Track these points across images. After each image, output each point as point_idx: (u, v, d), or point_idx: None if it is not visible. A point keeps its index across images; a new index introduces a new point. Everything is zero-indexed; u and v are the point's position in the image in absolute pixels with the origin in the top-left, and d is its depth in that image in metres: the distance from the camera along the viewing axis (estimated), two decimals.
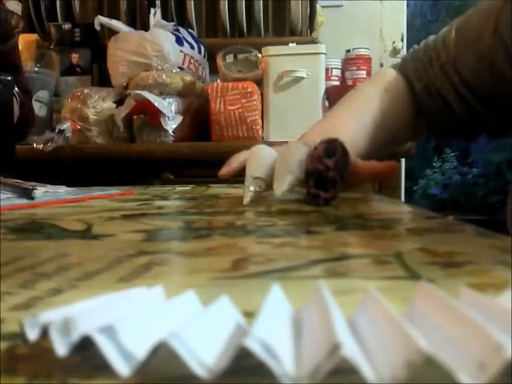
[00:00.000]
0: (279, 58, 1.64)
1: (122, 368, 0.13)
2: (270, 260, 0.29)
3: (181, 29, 1.75)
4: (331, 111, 0.85)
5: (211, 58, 1.80)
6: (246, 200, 0.56)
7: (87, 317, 0.15)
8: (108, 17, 1.80)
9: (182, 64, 1.69)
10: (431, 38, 0.84)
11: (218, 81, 1.66)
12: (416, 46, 0.87)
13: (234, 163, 0.67)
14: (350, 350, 0.12)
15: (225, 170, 0.66)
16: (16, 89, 1.22)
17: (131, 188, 0.84)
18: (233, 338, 0.14)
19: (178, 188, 0.86)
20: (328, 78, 1.88)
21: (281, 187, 0.54)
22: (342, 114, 0.81)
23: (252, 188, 0.57)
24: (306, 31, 1.96)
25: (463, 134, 0.87)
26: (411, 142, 1.58)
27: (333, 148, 0.53)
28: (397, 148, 0.97)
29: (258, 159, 0.60)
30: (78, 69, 1.95)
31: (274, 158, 0.59)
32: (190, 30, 1.83)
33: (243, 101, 1.58)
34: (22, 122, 1.29)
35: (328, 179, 0.52)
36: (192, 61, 1.73)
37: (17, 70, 1.33)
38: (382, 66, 2.14)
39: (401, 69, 0.86)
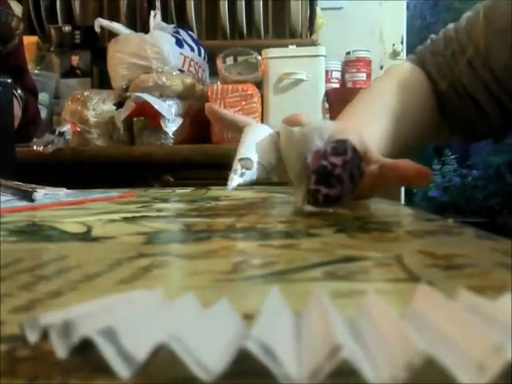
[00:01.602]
0: (279, 60, 1.64)
1: (122, 370, 0.13)
2: (270, 262, 0.29)
3: (181, 31, 1.75)
4: (346, 112, 0.72)
5: (211, 60, 1.81)
6: (231, 185, 0.47)
7: (87, 319, 0.15)
8: (108, 19, 1.80)
9: (182, 66, 1.70)
10: (450, 26, 0.76)
11: (218, 83, 1.67)
12: (433, 37, 0.78)
13: (228, 115, 0.60)
14: (351, 352, 0.12)
15: (214, 107, 0.59)
16: (19, 91, 1.22)
17: (131, 190, 0.84)
18: (233, 340, 0.14)
19: (178, 190, 0.86)
20: (328, 81, 1.89)
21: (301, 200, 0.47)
22: (361, 110, 0.71)
23: (239, 171, 0.48)
24: (306, 33, 1.96)
25: (491, 134, 0.79)
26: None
27: (342, 147, 0.46)
28: (419, 151, 0.91)
29: (247, 140, 0.52)
30: (78, 71, 1.96)
31: (270, 138, 0.52)
32: (190, 32, 1.83)
33: (243, 103, 1.58)
34: (28, 123, 1.29)
35: (333, 175, 0.45)
36: (192, 63, 1.73)
37: (22, 71, 1.34)
38: (381, 68, 2.14)
39: (420, 64, 0.76)
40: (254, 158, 0.49)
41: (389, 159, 0.51)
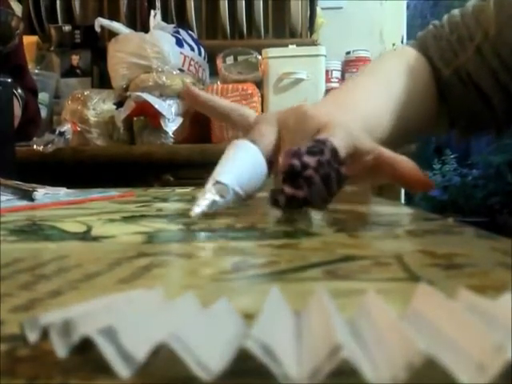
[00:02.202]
0: (279, 59, 1.65)
1: (123, 369, 0.13)
2: (270, 262, 0.29)
3: (181, 30, 1.75)
4: (341, 87, 0.68)
5: (211, 59, 1.81)
6: (196, 210, 0.41)
7: (87, 318, 0.15)
8: (108, 18, 1.80)
9: (182, 66, 1.70)
10: (455, 12, 0.72)
11: (218, 82, 1.67)
12: (436, 22, 0.73)
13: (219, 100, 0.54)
14: (351, 352, 0.12)
15: (192, 89, 0.54)
16: (19, 91, 1.22)
17: (131, 190, 0.84)
18: (233, 340, 0.14)
19: (178, 190, 0.86)
20: (328, 80, 1.89)
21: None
22: (365, 83, 0.65)
23: (208, 196, 0.42)
24: (306, 33, 1.96)
25: (493, 126, 0.74)
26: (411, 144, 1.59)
27: (319, 147, 0.41)
28: (414, 141, 0.84)
29: (230, 158, 0.45)
30: (78, 70, 1.96)
31: (256, 160, 0.45)
32: (190, 31, 1.83)
33: (243, 102, 1.58)
34: (28, 122, 1.29)
35: (302, 176, 0.40)
36: (192, 62, 1.73)
37: (22, 70, 1.34)
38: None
39: (421, 50, 0.72)
40: (232, 184, 0.43)
41: (386, 150, 0.47)
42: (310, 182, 0.39)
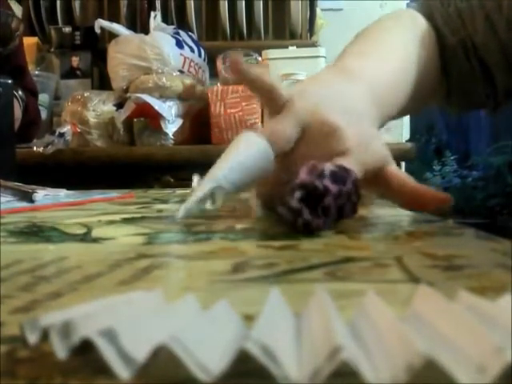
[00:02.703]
0: (279, 61, 1.65)
1: (123, 371, 0.13)
2: (270, 263, 0.29)
3: (181, 32, 1.75)
4: (352, 50, 0.60)
5: (211, 61, 1.81)
6: (181, 211, 0.40)
7: (87, 320, 0.15)
8: (108, 20, 1.80)
9: (182, 67, 1.70)
10: None
11: (218, 84, 1.67)
12: None
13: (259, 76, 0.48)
14: (350, 353, 0.12)
15: (240, 65, 0.48)
16: (20, 92, 1.22)
17: (131, 191, 0.84)
18: (233, 341, 0.14)
19: (178, 191, 0.86)
20: None
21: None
22: (372, 53, 0.59)
23: (198, 195, 0.40)
24: (306, 34, 1.96)
25: (490, 102, 0.70)
26: (411, 145, 1.59)
27: (343, 176, 0.39)
28: (417, 112, 0.79)
29: (234, 153, 0.42)
30: (78, 72, 1.96)
31: (261, 163, 0.42)
32: (190, 33, 1.83)
33: (243, 104, 1.58)
34: (29, 124, 1.29)
35: (321, 204, 0.38)
36: (192, 64, 1.73)
37: (23, 71, 1.34)
38: None
39: (425, 14, 0.67)
40: (226, 186, 0.41)
41: (410, 181, 0.45)
42: (327, 211, 0.38)
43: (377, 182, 0.46)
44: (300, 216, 0.37)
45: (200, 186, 0.41)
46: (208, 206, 0.40)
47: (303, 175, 0.39)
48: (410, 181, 0.45)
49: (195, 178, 0.44)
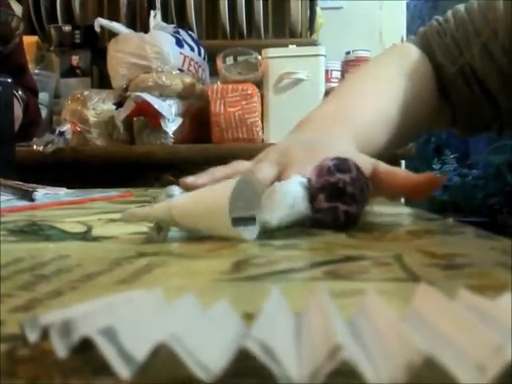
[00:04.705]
0: (279, 59, 1.64)
1: (123, 370, 0.13)
2: (271, 262, 0.29)
3: (181, 31, 1.75)
4: (339, 92, 0.65)
5: (211, 59, 1.80)
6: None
7: (87, 318, 0.15)
8: (108, 19, 1.80)
9: (182, 66, 1.70)
10: (460, 8, 0.69)
11: (218, 83, 1.66)
12: (439, 18, 0.71)
13: (203, 178, 0.48)
14: (350, 352, 0.12)
15: (189, 180, 0.48)
16: (20, 92, 1.22)
17: (131, 190, 0.84)
18: (233, 340, 0.14)
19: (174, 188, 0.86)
20: (328, 80, 1.88)
21: (271, 220, 0.38)
22: (354, 96, 0.63)
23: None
24: (306, 33, 1.96)
25: (495, 125, 0.71)
26: (411, 144, 1.59)
27: (345, 165, 0.40)
28: (416, 138, 0.81)
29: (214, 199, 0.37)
30: (78, 71, 1.95)
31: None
32: (189, 31, 1.83)
33: (243, 103, 1.58)
34: (30, 123, 1.29)
35: (347, 193, 0.39)
36: (192, 63, 1.73)
37: (23, 70, 1.34)
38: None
39: (423, 46, 0.70)
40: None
41: (400, 171, 0.46)
42: (354, 198, 0.39)
43: (371, 182, 0.46)
44: (337, 211, 0.39)
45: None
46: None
47: (316, 178, 0.40)
48: (400, 171, 0.46)
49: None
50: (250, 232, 0.37)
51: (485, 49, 0.66)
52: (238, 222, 0.37)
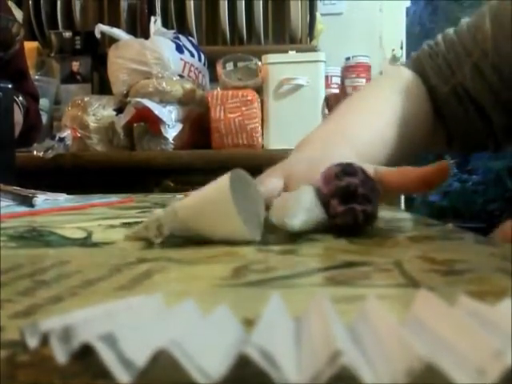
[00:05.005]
0: (279, 65, 1.65)
1: (123, 376, 0.13)
2: (271, 268, 0.29)
3: (181, 37, 1.76)
4: (337, 113, 0.67)
5: (211, 65, 1.81)
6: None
7: (87, 324, 0.15)
8: (108, 25, 1.81)
9: (182, 72, 1.70)
10: (449, 31, 0.71)
11: (218, 89, 1.67)
12: (430, 42, 0.73)
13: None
14: (350, 358, 0.12)
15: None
16: (20, 98, 1.22)
17: (131, 196, 0.84)
18: (233, 346, 0.14)
19: (179, 196, 0.86)
20: (328, 86, 1.89)
21: (293, 223, 0.38)
22: (352, 115, 0.65)
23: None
24: (306, 39, 1.96)
25: (491, 142, 0.72)
26: None
27: (351, 169, 0.41)
28: (412, 159, 0.84)
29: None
30: (78, 77, 1.96)
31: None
32: (190, 37, 1.83)
33: (243, 108, 1.59)
34: (30, 128, 1.29)
35: (359, 194, 0.39)
36: (192, 68, 1.74)
37: (24, 76, 1.34)
38: (381, 73, 2.14)
39: (416, 69, 0.71)
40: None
41: (406, 168, 0.45)
42: (367, 198, 0.40)
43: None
44: (355, 212, 0.39)
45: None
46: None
47: (325, 185, 0.41)
48: (407, 168, 0.45)
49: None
50: (255, 233, 0.38)
51: (476, 68, 0.67)
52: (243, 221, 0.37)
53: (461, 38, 0.69)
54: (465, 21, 0.71)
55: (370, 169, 0.45)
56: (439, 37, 0.72)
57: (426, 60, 0.71)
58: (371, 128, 0.62)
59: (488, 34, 0.66)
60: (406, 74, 0.71)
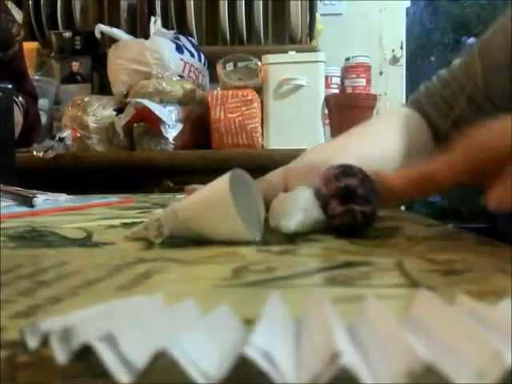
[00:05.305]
0: (279, 66, 1.65)
1: (122, 376, 0.13)
2: (270, 268, 0.29)
3: (181, 37, 1.76)
4: (332, 140, 0.68)
5: (211, 66, 1.81)
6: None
7: (87, 325, 0.15)
8: (108, 25, 1.80)
9: (182, 72, 1.70)
10: (443, 72, 0.74)
11: (218, 89, 1.67)
12: (425, 84, 0.76)
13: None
14: (350, 359, 0.12)
15: None
16: (20, 98, 1.22)
17: (131, 196, 0.84)
18: (233, 347, 0.14)
19: (178, 196, 0.86)
20: (328, 86, 1.89)
21: (288, 224, 0.38)
22: (345, 141, 0.66)
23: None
24: (306, 39, 1.96)
25: None
26: None
27: (350, 170, 0.42)
28: None
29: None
30: (78, 77, 1.96)
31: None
32: (190, 38, 1.83)
33: (243, 109, 1.58)
34: (30, 129, 1.29)
35: (358, 195, 0.40)
36: (192, 69, 1.74)
37: (23, 76, 1.34)
38: (381, 74, 2.14)
39: (415, 108, 0.74)
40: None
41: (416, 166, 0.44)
42: (366, 198, 0.40)
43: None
44: (354, 212, 0.39)
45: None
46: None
47: (324, 187, 0.42)
48: (409, 168, 0.43)
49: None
50: (254, 233, 0.38)
51: (471, 101, 0.70)
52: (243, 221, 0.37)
53: (454, 75, 0.73)
54: (457, 60, 0.74)
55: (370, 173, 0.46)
56: (434, 78, 0.76)
57: (423, 100, 0.74)
58: (374, 147, 0.64)
59: (478, 68, 0.69)
60: (406, 112, 0.74)
